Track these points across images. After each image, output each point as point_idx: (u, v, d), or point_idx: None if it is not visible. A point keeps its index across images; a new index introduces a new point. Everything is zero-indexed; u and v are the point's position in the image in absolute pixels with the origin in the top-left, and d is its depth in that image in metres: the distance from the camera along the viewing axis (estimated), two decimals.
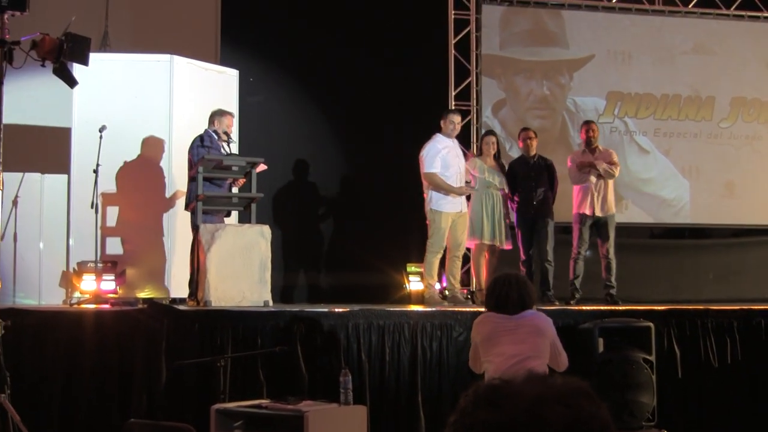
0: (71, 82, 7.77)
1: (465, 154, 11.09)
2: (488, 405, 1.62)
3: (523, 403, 1.60)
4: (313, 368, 8.31)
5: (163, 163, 11.06)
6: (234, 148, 10.38)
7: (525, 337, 6.36)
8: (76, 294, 10.42)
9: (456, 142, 10.69)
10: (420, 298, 10.90)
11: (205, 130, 10.29)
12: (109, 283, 10.22)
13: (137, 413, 7.84)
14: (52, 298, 10.92)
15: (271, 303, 9.44)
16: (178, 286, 10.71)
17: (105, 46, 11.88)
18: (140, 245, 11.02)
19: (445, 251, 10.55)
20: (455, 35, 13.42)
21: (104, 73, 10.79)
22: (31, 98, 11.19)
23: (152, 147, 11.05)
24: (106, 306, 9.51)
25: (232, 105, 11.42)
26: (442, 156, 10.38)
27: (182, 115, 11.07)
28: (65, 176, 11.07)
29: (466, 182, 10.70)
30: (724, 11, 14.18)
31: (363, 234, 12.69)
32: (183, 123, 10.97)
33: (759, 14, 14.28)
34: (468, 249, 11.15)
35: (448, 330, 8.80)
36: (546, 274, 10.88)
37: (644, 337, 8.87)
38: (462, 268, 10.95)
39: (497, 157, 11.31)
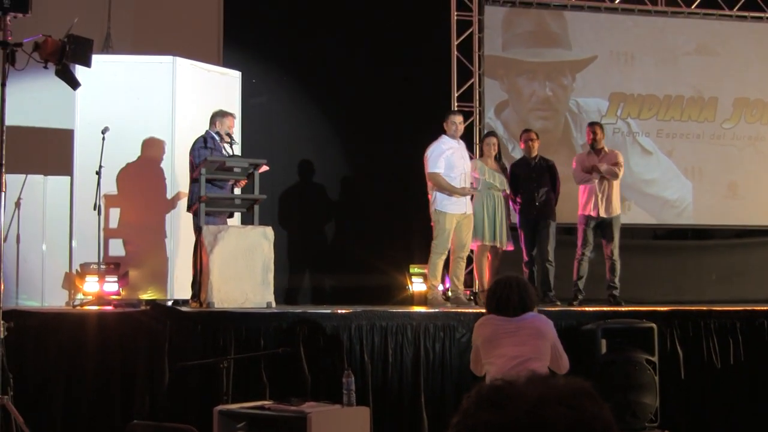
0: (74, 83, 7.77)
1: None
2: (491, 406, 1.62)
3: (525, 404, 1.60)
4: (315, 369, 8.31)
5: (165, 165, 11.06)
6: (236, 150, 10.38)
7: (526, 339, 6.35)
8: (79, 296, 10.41)
9: (462, 143, 10.70)
10: (423, 299, 10.91)
11: (207, 131, 10.28)
12: (111, 285, 10.21)
13: (140, 414, 7.85)
14: (54, 299, 10.92)
15: (273, 304, 9.44)
16: (181, 288, 10.71)
17: (107, 48, 11.89)
18: (143, 247, 11.02)
19: (449, 252, 10.55)
20: (458, 36, 13.42)
21: (107, 74, 10.78)
22: (33, 100, 11.20)
23: (154, 148, 11.05)
24: (109, 308, 9.51)
25: (235, 106, 11.41)
26: (446, 157, 10.38)
27: (185, 117, 11.07)
28: (68, 178, 11.07)
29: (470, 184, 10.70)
30: (727, 12, 14.16)
31: (365, 235, 12.69)
32: (185, 124, 10.96)
33: (762, 15, 14.27)
34: (471, 250, 11.15)
35: (451, 331, 8.81)
36: (547, 274, 10.88)
37: (647, 338, 8.87)
38: (465, 269, 10.94)
39: (498, 158, 11.32)
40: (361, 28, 13.00)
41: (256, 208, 9.91)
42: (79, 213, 10.75)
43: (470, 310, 9.24)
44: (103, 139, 10.10)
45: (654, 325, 8.94)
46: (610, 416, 1.63)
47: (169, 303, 10.38)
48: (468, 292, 11.38)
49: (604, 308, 10.03)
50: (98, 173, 10.03)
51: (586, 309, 9.90)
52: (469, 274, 11.82)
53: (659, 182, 13.76)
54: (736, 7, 14.17)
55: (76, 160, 10.92)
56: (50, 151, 11.67)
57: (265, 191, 10.10)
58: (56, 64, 7.25)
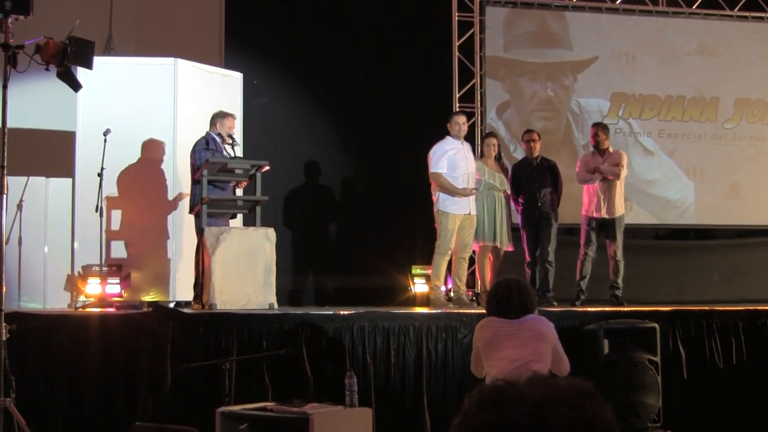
0: (75, 85, 7.78)
1: None
2: (492, 406, 1.62)
3: (527, 404, 1.60)
4: (318, 371, 8.32)
5: (167, 167, 11.06)
6: (238, 151, 10.38)
7: (526, 341, 6.35)
8: (81, 297, 10.42)
9: (466, 144, 10.70)
10: (425, 300, 10.91)
11: (208, 132, 10.28)
12: (113, 287, 10.22)
13: (142, 416, 7.85)
14: (56, 301, 10.92)
15: (276, 306, 9.43)
16: (183, 290, 10.71)
17: (109, 50, 11.89)
18: (145, 248, 11.02)
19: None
20: (459, 37, 13.42)
21: (108, 76, 10.78)
22: (35, 102, 11.20)
23: (156, 150, 11.05)
24: (111, 309, 9.51)
25: (236, 108, 11.40)
26: (448, 157, 10.38)
27: (186, 119, 11.07)
28: (70, 180, 11.07)
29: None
30: (728, 12, 14.16)
31: (367, 236, 12.70)
32: (187, 126, 10.96)
33: (763, 15, 14.26)
34: (473, 251, 11.15)
35: (453, 332, 8.81)
36: (546, 275, 10.87)
37: (649, 338, 8.87)
38: (467, 269, 10.94)
39: (498, 158, 11.33)
40: (362, 29, 13.00)
41: (258, 209, 9.90)
42: (80, 215, 10.75)
43: (472, 311, 9.24)
44: (105, 141, 10.10)
45: (656, 325, 8.94)
46: (611, 416, 1.64)
47: (171, 305, 10.39)
48: (470, 293, 11.38)
49: (607, 308, 10.03)
50: (100, 175, 10.02)
51: (589, 309, 9.90)
52: (471, 275, 11.82)
53: (661, 182, 13.76)
54: (737, 7, 14.17)
55: (77, 162, 10.92)
56: (52, 153, 11.68)
57: (267, 192, 10.10)
58: (58, 66, 7.26)
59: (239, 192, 10.49)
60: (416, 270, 11.56)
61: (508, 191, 11.10)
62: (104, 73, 10.41)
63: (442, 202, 10.39)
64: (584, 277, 10.91)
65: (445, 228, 10.35)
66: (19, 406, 7.08)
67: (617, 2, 13.92)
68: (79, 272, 10.63)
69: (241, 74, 11.95)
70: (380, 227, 12.72)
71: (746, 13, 14.21)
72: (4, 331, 6.90)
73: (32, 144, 11.31)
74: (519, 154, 12.53)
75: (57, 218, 11.11)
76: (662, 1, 14.01)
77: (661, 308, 9.71)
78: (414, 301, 11.35)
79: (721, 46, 14.08)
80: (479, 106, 13.39)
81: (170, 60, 11.17)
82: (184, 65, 11.25)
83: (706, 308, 9.72)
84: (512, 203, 11.17)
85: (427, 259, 10.81)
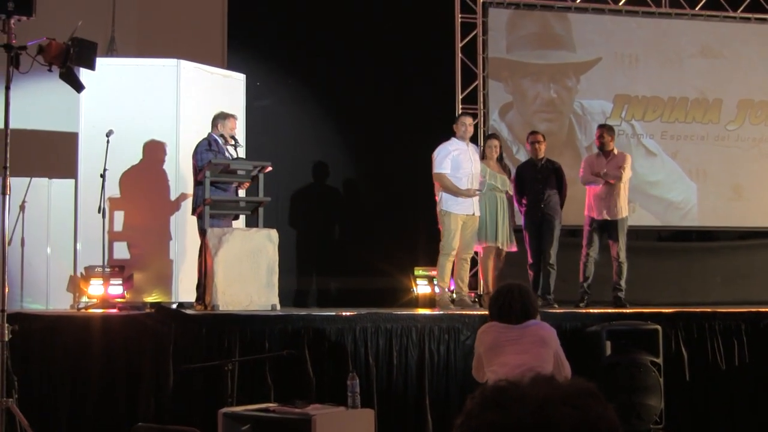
0: (78, 86, 7.76)
1: None
2: (495, 406, 1.62)
3: (530, 404, 1.60)
4: (320, 372, 8.32)
5: (169, 168, 11.06)
6: (241, 152, 10.38)
7: (528, 347, 6.36)
8: (84, 298, 10.42)
9: (471, 146, 10.71)
10: (428, 302, 10.92)
11: (209, 134, 10.28)
12: (116, 288, 10.23)
13: (144, 417, 7.85)
14: (59, 302, 10.92)
15: (278, 307, 9.43)
16: (186, 291, 10.71)
17: (112, 51, 11.90)
18: (147, 249, 11.02)
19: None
20: (462, 39, 13.43)
21: (111, 77, 10.79)
22: (37, 103, 11.20)
23: (159, 151, 11.05)
24: (114, 310, 9.52)
25: (239, 109, 11.41)
26: (452, 157, 10.40)
27: (189, 120, 11.07)
28: (72, 181, 11.07)
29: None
30: (731, 14, 14.16)
31: (370, 237, 12.69)
32: (190, 127, 10.96)
33: (766, 16, 14.26)
34: (476, 252, 11.15)
35: (456, 333, 8.81)
36: (548, 277, 10.85)
37: (652, 339, 8.87)
38: (470, 271, 10.93)
39: (500, 159, 11.33)
40: (364, 30, 13.00)
41: (261, 210, 9.91)
42: (83, 216, 10.76)
43: (475, 313, 9.23)
44: (108, 141, 10.11)
45: (659, 327, 8.93)
46: (614, 416, 1.63)
47: (174, 306, 10.38)
48: (473, 294, 11.37)
49: (609, 310, 10.04)
50: (103, 176, 10.03)
51: (591, 311, 9.90)
52: (474, 276, 11.82)
53: (664, 184, 13.76)
54: (740, 9, 14.17)
55: (80, 163, 10.93)
56: (55, 154, 11.68)
57: (269, 194, 10.09)
58: (60, 67, 7.25)
59: (242, 193, 10.49)
60: (419, 271, 11.55)
61: (510, 192, 11.10)
62: (107, 74, 10.43)
63: (445, 202, 10.40)
64: (587, 278, 10.90)
65: (448, 228, 10.35)
66: (22, 407, 7.08)
67: (620, 4, 13.92)
68: (81, 273, 10.63)
69: (244, 75, 11.95)
70: (382, 228, 12.72)
71: (749, 15, 14.21)
72: (6, 331, 6.89)
73: (35, 145, 11.31)
74: (521, 156, 12.53)
75: (60, 219, 11.11)
76: (665, 2, 14.01)
77: (663, 310, 9.71)
78: (416, 302, 11.35)
79: (724, 48, 14.08)
80: (482, 107, 13.39)
81: (173, 61, 11.18)
82: (187, 66, 11.26)
83: (709, 310, 9.72)
84: (515, 204, 11.16)
85: (429, 260, 10.81)
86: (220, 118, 10.34)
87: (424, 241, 11.91)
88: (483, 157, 11.31)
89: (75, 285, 10.86)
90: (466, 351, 8.58)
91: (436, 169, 10.43)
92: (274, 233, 9.60)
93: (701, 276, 13.67)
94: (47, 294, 11.02)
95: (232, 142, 10.19)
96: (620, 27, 13.88)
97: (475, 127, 12.89)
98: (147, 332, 8.34)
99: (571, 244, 11.56)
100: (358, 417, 6.80)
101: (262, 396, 7.83)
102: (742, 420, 9.27)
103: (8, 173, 7.00)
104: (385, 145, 12.83)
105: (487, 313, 6.86)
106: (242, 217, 10.72)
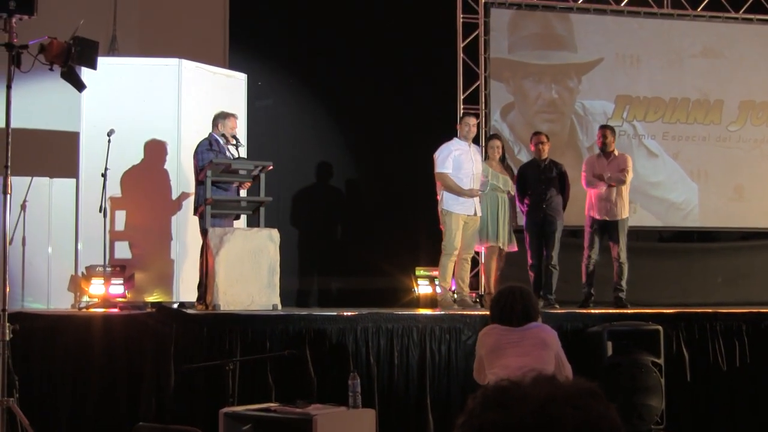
0: (79, 86, 7.76)
1: None
2: (497, 406, 1.62)
3: (531, 404, 1.59)
4: (321, 372, 8.32)
5: (171, 167, 11.06)
6: (242, 152, 10.38)
7: (530, 349, 6.35)
8: (85, 298, 10.42)
9: (473, 146, 10.72)
10: (429, 302, 10.92)
11: (210, 133, 10.27)
12: (117, 287, 10.23)
13: (146, 417, 7.85)
14: (60, 302, 10.92)
15: (279, 307, 9.43)
16: (187, 290, 10.71)
17: (113, 50, 11.90)
18: (148, 249, 11.02)
19: None
20: (464, 39, 13.42)
21: (112, 76, 10.80)
22: (39, 102, 11.20)
23: (160, 151, 11.05)
24: (115, 310, 9.52)
25: (240, 109, 11.41)
26: (454, 157, 10.41)
27: (190, 119, 11.07)
28: (74, 180, 11.07)
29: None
30: (733, 14, 14.15)
31: (371, 238, 12.68)
32: (191, 127, 10.96)
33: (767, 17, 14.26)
34: (477, 252, 11.15)
35: (457, 333, 8.81)
36: (549, 277, 10.85)
37: (653, 340, 8.86)
38: (471, 271, 10.93)
39: (503, 159, 11.33)
40: (366, 30, 13.00)
41: (262, 210, 9.91)
42: (84, 215, 10.76)
43: (476, 313, 9.24)
44: (109, 141, 10.12)
45: (660, 328, 8.93)
46: (616, 416, 1.63)
47: (175, 305, 10.39)
48: (474, 294, 11.37)
49: (610, 310, 10.04)
50: (104, 175, 10.03)
51: (592, 311, 9.90)
52: (475, 276, 11.81)
53: (665, 185, 13.75)
54: (742, 10, 14.16)
55: (81, 162, 10.93)
56: (56, 153, 11.68)
57: (270, 193, 10.09)
58: (62, 66, 7.25)
59: (243, 193, 10.49)
60: (420, 271, 11.55)
61: (512, 192, 11.09)
62: (108, 74, 10.43)
63: (446, 201, 10.40)
64: (590, 278, 10.89)
65: (449, 228, 10.36)
66: (23, 406, 7.08)
67: (622, 4, 13.91)
68: (82, 273, 10.63)
69: (245, 75, 11.95)
70: (384, 228, 12.71)
71: (751, 16, 14.20)
72: (7, 331, 6.89)
73: (36, 144, 11.30)
74: (523, 156, 12.53)
75: (61, 219, 11.11)
76: (667, 3, 14.00)
77: (664, 310, 9.71)
78: (418, 302, 11.35)
79: (725, 49, 14.07)
80: (483, 107, 13.38)
81: (174, 61, 11.18)
82: (188, 66, 11.26)
83: (710, 311, 9.72)
84: (517, 204, 11.15)
85: (430, 260, 10.81)
86: (221, 117, 10.34)
87: (425, 241, 11.91)
88: (485, 157, 11.32)
89: (76, 284, 10.86)
90: (468, 351, 8.58)
91: (439, 168, 10.44)
92: (275, 233, 9.60)
93: (702, 277, 13.66)
94: (48, 293, 11.02)
95: (234, 142, 10.19)
96: (622, 27, 13.87)
97: (477, 127, 12.91)
98: (148, 332, 8.34)
99: (573, 245, 11.56)
100: (359, 417, 6.80)
101: (264, 396, 7.83)
102: (743, 420, 9.26)
103: (9, 172, 7.00)
104: (386, 144, 12.83)
105: (488, 313, 6.86)
106: (243, 217, 10.72)
